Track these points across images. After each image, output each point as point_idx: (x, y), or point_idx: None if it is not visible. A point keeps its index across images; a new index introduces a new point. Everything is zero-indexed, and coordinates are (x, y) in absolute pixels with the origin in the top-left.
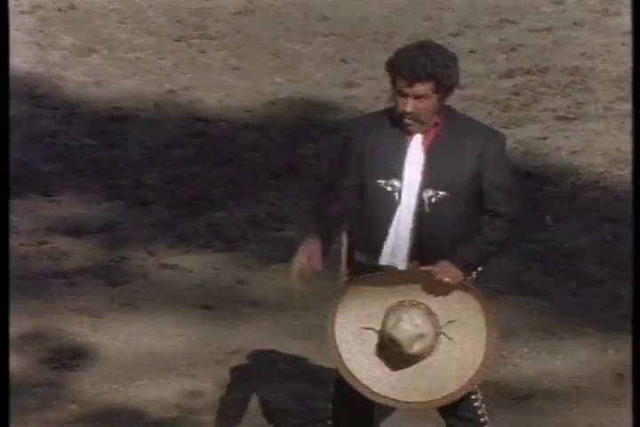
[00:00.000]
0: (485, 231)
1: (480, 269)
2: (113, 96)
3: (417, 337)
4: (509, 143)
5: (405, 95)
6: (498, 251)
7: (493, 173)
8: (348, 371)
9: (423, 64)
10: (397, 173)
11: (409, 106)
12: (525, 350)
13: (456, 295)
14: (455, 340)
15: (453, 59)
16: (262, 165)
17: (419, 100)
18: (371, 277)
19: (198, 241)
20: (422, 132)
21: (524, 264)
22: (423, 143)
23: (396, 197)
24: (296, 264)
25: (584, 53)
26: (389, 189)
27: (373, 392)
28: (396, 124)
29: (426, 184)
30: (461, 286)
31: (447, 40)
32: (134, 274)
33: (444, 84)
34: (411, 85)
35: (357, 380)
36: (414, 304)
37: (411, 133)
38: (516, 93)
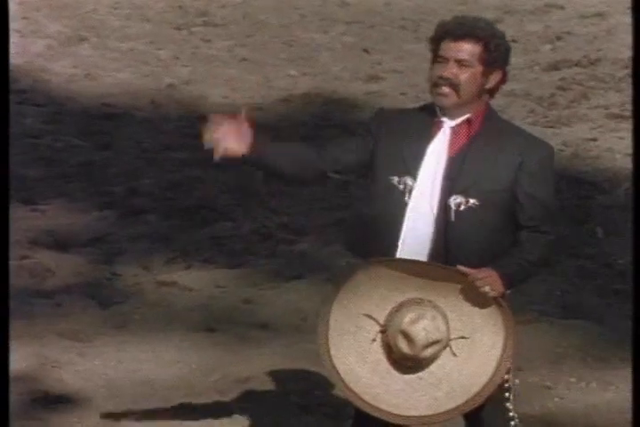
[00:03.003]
0: (527, 248)
1: (509, 291)
2: (104, 91)
3: (434, 342)
4: (555, 144)
5: (446, 60)
6: (537, 271)
7: (535, 187)
8: (335, 369)
9: (473, 23)
10: (411, 171)
11: (447, 69)
12: (573, 380)
13: (480, 310)
14: (459, 357)
15: (505, 39)
16: None
17: (459, 65)
18: (392, 262)
19: (200, 255)
20: (454, 129)
21: (571, 283)
22: (452, 140)
23: (408, 198)
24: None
25: None
26: (402, 187)
27: (364, 401)
28: (426, 114)
29: (455, 189)
30: (495, 302)
31: None
32: (128, 293)
33: (493, 55)
34: (456, 43)
35: (345, 384)
36: (435, 307)
37: (440, 123)
38: (563, 88)
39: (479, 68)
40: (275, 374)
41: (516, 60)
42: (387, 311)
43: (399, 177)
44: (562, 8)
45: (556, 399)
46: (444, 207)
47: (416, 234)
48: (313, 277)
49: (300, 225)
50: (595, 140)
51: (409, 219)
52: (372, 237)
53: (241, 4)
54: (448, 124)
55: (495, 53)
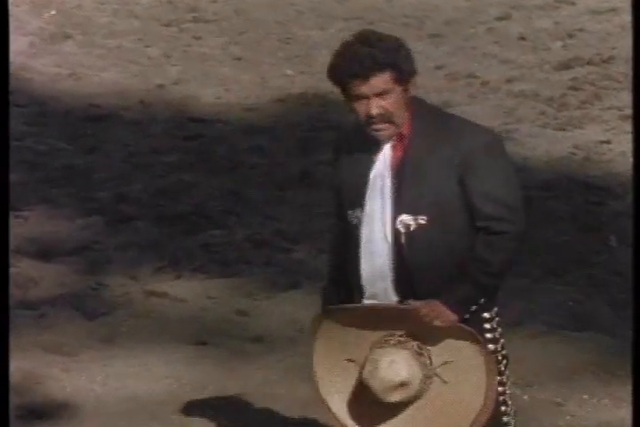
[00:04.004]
0: (480, 255)
1: (482, 301)
2: (90, 91)
3: (397, 386)
4: (565, 148)
5: (364, 97)
6: (501, 279)
7: (482, 182)
8: (330, 409)
9: (370, 54)
10: (359, 202)
11: (373, 107)
12: (585, 396)
13: (452, 335)
14: (450, 382)
15: (400, 42)
16: (268, 174)
17: (381, 97)
18: (351, 309)
19: (191, 264)
20: (392, 146)
21: (582, 293)
22: (392, 159)
23: (359, 231)
24: None
25: None
26: (355, 221)
27: None
28: (365, 139)
29: (400, 209)
30: (457, 328)
31: (491, 25)
32: (115, 304)
33: (404, 70)
34: (365, 82)
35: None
36: (401, 342)
37: (382, 145)
38: (574, 88)
39: (399, 89)
40: (270, 390)
41: (524, 58)
42: (366, 351)
43: (352, 210)
44: (573, 3)
45: (568, 417)
46: (394, 232)
47: (375, 266)
48: (310, 286)
49: (296, 232)
50: (608, 142)
51: (365, 252)
52: (340, 279)
53: None
54: (386, 145)
55: (406, 66)
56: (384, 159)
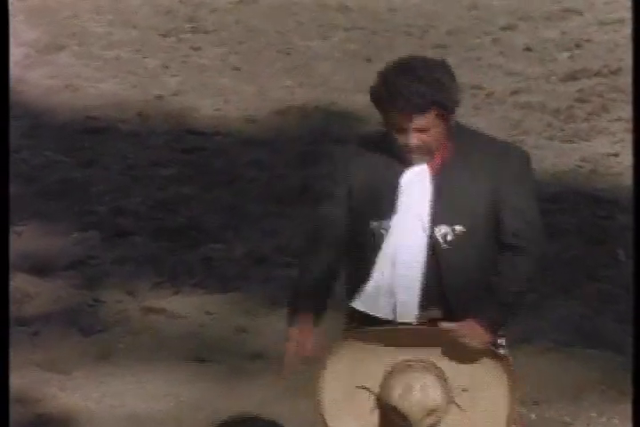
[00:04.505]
0: (510, 276)
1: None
2: (87, 103)
3: (430, 411)
4: (572, 160)
5: (405, 129)
6: (524, 298)
7: (513, 199)
8: None
9: (419, 91)
10: (388, 211)
11: (413, 138)
12: (593, 415)
13: (475, 360)
14: (467, 411)
15: (449, 71)
16: (268, 188)
17: (423, 132)
18: (373, 332)
19: (190, 280)
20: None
21: (590, 308)
22: (429, 170)
23: (385, 240)
24: (287, 359)
25: None
26: (383, 231)
27: None
28: (390, 150)
29: (438, 220)
30: (488, 352)
31: (496, 35)
32: (111, 320)
33: (449, 106)
34: (408, 118)
35: None
36: (426, 367)
37: (412, 164)
38: (582, 100)
39: (442, 124)
40: (269, 408)
41: (531, 69)
42: (380, 377)
43: (377, 220)
44: (580, 13)
45: None
46: (433, 240)
47: (399, 276)
48: None
49: (296, 247)
50: (615, 155)
51: (387, 262)
52: (362, 287)
53: (233, 8)
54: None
55: (451, 103)
56: (418, 169)
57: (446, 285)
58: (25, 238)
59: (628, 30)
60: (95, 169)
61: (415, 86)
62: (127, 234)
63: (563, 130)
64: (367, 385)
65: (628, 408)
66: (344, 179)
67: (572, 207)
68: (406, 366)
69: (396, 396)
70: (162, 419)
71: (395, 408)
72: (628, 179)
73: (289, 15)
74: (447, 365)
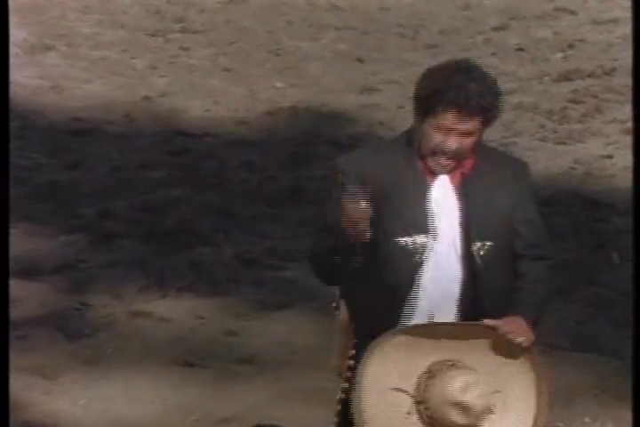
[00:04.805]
0: (535, 280)
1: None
2: (74, 104)
3: (487, 409)
4: (566, 162)
5: (449, 130)
6: (549, 302)
7: (526, 211)
8: None
9: (479, 93)
10: (422, 227)
11: (454, 142)
12: (587, 420)
13: (506, 361)
14: (497, 414)
15: (496, 83)
16: (258, 190)
17: (464, 137)
18: (415, 328)
19: (178, 283)
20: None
21: (585, 313)
22: (452, 185)
23: (422, 257)
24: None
25: None
26: (411, 247)
27: None
28: (410, 160)
29: (472, 235)
30: (525, 351)
31: (488, 35)
32: (99, 324)
33: (494, 117)
34: (461, 120)
35: None
36: (468, 366)
37: (435, 174)
38: (575, 101)
39: (480, 133)
40: (260, 413)
41: (523, 70)
42: (415, 379)
43: (407, 237)
44: (573, 13)
45: None
46: (467, 255)
47: (441, 289)
48: (302, 306)
49: (287, 250)
50: (610, 157)
51: (431, 278)
52: (387, 306)
53: (222, 8)
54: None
55: (497, 113)
56: (444, 184)
57: (483, 298)
58: (11, 241)
59: (622, 30)
60: (82, 171)
61: (474, 87)
62: (114, 237)
63: (556, 131)
64: (403, 387)
65: (622, 413)
66: (358, 177)
67: (566, 210)
68: (450, 366)
69: (458, 389)
70: (149, 424)
71: (456, 402)
72: (622, 181)
73: (279, 15)
74: (482, 366)
